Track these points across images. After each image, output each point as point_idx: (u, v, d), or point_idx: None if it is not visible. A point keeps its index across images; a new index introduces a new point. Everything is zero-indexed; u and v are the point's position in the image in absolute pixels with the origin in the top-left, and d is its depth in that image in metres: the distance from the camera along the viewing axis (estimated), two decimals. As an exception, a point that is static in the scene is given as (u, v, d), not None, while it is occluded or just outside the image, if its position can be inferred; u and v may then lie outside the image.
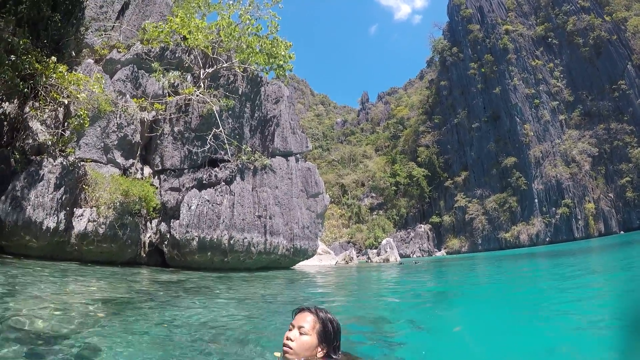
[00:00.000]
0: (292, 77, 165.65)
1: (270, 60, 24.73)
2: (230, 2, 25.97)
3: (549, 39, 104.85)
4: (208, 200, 20.58)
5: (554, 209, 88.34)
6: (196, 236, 19.69)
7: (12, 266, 12.67)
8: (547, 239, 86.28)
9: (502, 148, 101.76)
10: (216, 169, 21.80)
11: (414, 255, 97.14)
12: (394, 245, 60.27)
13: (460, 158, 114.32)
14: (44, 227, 15.04)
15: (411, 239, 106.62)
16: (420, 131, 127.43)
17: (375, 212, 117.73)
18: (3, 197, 14.73)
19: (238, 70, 24.53)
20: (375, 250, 62.35)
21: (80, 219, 16.67)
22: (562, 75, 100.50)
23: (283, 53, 24.88)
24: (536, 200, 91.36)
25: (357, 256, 64.75)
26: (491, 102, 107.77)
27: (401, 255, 74.62)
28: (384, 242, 61.58)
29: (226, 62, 24.56)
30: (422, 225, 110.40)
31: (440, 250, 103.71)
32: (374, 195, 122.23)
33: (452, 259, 63.39)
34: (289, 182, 24.57)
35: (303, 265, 29.51)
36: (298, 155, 26.51)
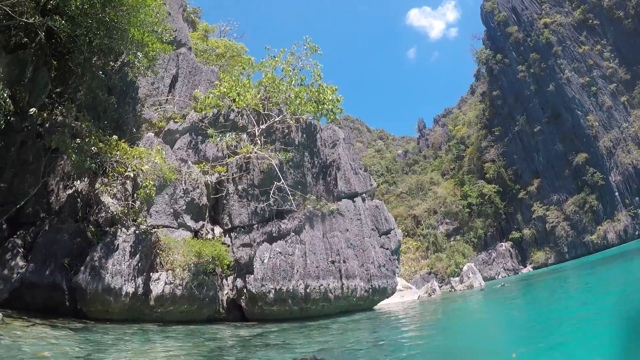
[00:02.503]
0: (346, 117, 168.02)
1: (320, 107, 25.67)
2: (271, 58, 27.31)
3: (590, 21, 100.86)
4: (280, 252, 21.30)
5: (637, 198, 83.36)
6: (272, 288, 20.31)
7: (94, 331, 13.85)
8: (637, 233, 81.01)
9: (569, 146, 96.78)
10: (284, 220, 22.55)
11: (499, 277, 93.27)
12: (476, 270, 58.73)
13: (529, 166, 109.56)
14: (123, 293, 16.34)
15: (493, 260, 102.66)
16: (483, 147, 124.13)
17: (452, 238, 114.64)
18: (83, 268, 16.18)
19: (291, 122, 25.58)
20: (457, 278, 60.91)
21: (157, 283, 17.95)
22: (612, 55, 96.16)
23: (330, 97, 25.82)
24: (616, 194, 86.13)
25: (440, 286, 63.49)
26: (548, 101, 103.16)
27: (485, 279, 72.35)
28: (465, 267, 60.10)
29: (278, 116, 25.68)
30: (503, 244, 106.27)
31: (525, 266, 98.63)
32: (448, 221, 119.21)
33: (539, 274, 60.95)
34: (359, 223, 24.96)
35: (384, 304, 29.45)
36: (364, 195, 26.96)
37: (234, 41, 41.52)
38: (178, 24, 30.81)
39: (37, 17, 16.18)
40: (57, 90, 20.22)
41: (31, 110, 17.38)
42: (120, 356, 10.70)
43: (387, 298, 27.49)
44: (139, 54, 19.97)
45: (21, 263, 16.08)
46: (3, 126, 14.63)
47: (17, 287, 15.51)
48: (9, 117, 15.07)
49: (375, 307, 26.85)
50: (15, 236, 16.88)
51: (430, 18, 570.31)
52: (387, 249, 26.94)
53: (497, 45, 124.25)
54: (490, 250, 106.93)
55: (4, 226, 16.96)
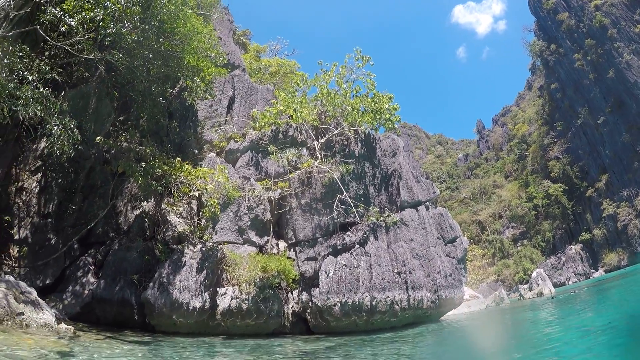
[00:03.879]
0: (403, 124, 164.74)
1: (377, 117, 25.18)
2: (324, 73, 27.18)
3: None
4: (345, 265, 20.92)
5: None
6: (337, 301, 19.97)
7: (162, 344, 14.26)
8: None
9: (636, 135, 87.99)
10: (348, 232, 22.19)
11: (570, 282, 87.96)
12: (545, 276, 55.66)
13: (595, 161, 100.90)
14: (191, 307, 16.89)
15: (563, 265, 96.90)
16: (545, 144, 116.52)
17: (519, 243, 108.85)
18: (151, 284, 16.90)
19: (349, 134, 25.29)
20: (526, 285, 58.21)
21: (224, 297, 18.35)
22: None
23: (387, 106, 25.26)
24: (692, 183, 77.15)
25: (508, 294, 60.85)
26: (609, 89, 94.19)
27: (555, 285, 68.54)
28: (534, 274, 57.21)
29: (336, 129, 25.50)
30: (572, 246, 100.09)
31: (597, 270, 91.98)
32: (514, 225, 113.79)
33: (612, 277, 57.65)
34: (424, 232, 24.23)
35: (451, 314, 28.42)
36: (427, 203, 26.21)
37: (285, 59, 41.99)
38: (230, 47, 31.58)
39: (96, 53, 16.72)
40: (121, 118, 21.03)
41: (97, 138, 18.18)
42: None
43: (454, 308, 26.57)
44: (195, 79, 20.47)
45: (92, 280, 17.14)
46: (72, 154, 15.23)
47: (88, 302, 16.56)
48: (77, 146, 15.58)
49: (441, 318, 25.94)
50: (86, 255, 18.08)
51: (476, 13, 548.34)
52: (453, 257, 26.00)
53: (550, 35, 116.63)
54: (559, 254, 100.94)
55: (76, 246, 18.14)
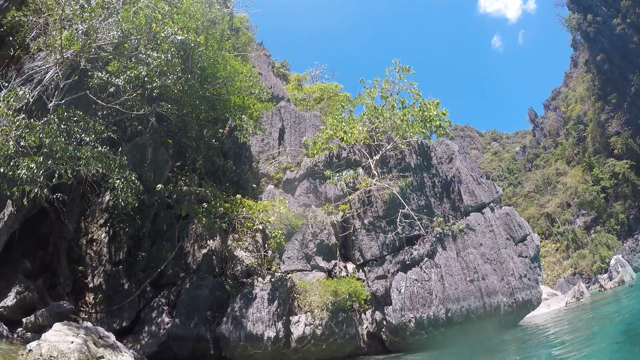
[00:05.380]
0: (454, 127, 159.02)
1: (427, 125, 24.62)
2: (367, 90, 26.89)
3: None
4: (416, 280, 20.30)
5: None
6: (412, 317, 19.42)
7: None
8: None
9: None
10: (415, 246, 21.58)
11: None
12: (624, 262, 51.90)
13: None
14: (265, 338, 17.02)
15: None
16: (603, 121, 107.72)
17: (592, 231, 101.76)
18: (225, 319, 17.27)
19: (402, 147, 24.77)
20: (605, 275, 54.84)
21: (297, 325, 18.37)
22: None
23: (435, 113, 24.65)
24: None
25: (588, 287, 57.51)
26: None
27: (636, 269, 64.10)
28: (612, 261, 53.68)
29: (389, 144, 25.06)
30: None
31: None
32: (584, 212, 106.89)
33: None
34: (492, 235, 23.22)
35: (530, 317, 26.97)
36: (491, 204, 25.17)
37: (326, 82, 42.19)
38: (271, 80, 32.15)
39: (145, 107, 17.41)
40: (178, 164, 21.62)
41: (158, 186, 18.79)
42: None
43: (533, 310, 25.19)
44: (243, 117, 20.97)
45: (167, 319, 17.72)
46: (136, 204, 15.72)
47: (164, 340, 17.12)
48: (140, 196, 16.13)
49: (521, 322, 24.64)
50: (159, 296, 18.71)
51: None
52: (526, 256, 24.73)
53: (584, 5, 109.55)
54: (636, 235, 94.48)
55: (148, 288, 18.81)
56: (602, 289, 49.40)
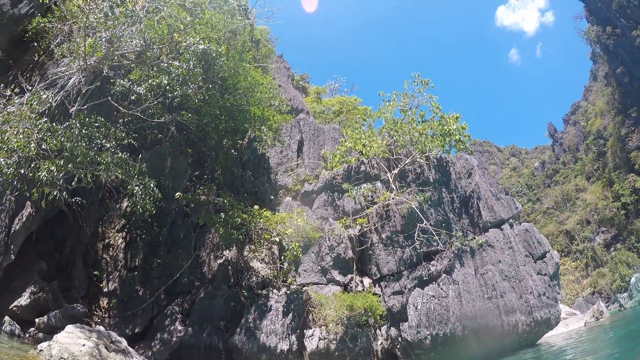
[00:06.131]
0: (473, 142, 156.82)
1: (447, 139, 24.27)
2: (387, 103, 26.70)
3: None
4: (433, 296, 19.95)
5: None
6: (428, 334, 19.07)
7: None
8: None
9: None
10: (433, 262, 21.24)
11: None
12: None
13: None
14: (278, 351, 16.93)
15: None
16: (623, 135, 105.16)
17: (612, 248, 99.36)
18: (238, 329, 17.25)
19: (421, 161, 24.54)
20: (625, 294, 53.70)
21: (311, 339, 18.25)
22: None
23: (455, 127, 24.26)
24: None
25: (607, 306, 56.30)
26: None
27: None
28: (633, 280, 52.74)
29: (407, 158, 24.80)
30: None
31: None
32: (604, 229, 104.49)
33: None
34: (511, 252, 22.80)
35: (548, 336, 26.37)
36: (511, 220, 24.77)
37: (346, 96, 42.25)
38: (291, 93, 32.24)
39: (166, 116, 17.50)
40: (196, 173, 21.68)
41: (176, 194, 18.88)
42: None
43: (552, 329, 24.63)
44: (263, 128, 20.99)
45: (180, 327, 17.69)
46: (154, 211, 15.69)
47: (176, 348, 17.13)
48: (158, 203, 16.11)
49: (539, 341, 24.09)
50: (173, 304, 18.69)
51: (520, 10, 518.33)
52: (545, 274, 24.24)
53: (602, 17, 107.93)
54: None
55: (163, 296, 18.87)
56: (622, 309, 48.42)
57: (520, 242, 24.15)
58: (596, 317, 41.81)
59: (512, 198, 26.55)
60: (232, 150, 21.20)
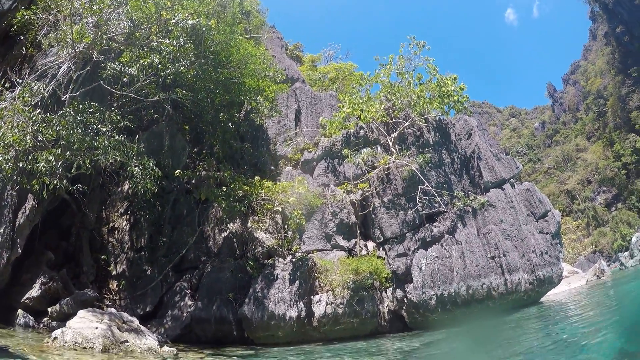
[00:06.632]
0: (472, 104, 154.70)
1: (445, 101, 24.04)
2: (383, 67, 26.41)
3: None
4: (437, 257, 20.18)
5: None
6: (433, 295, 19.35)
7: (264, 356, 15.03)
8: None
9: None
10: (435, 223, 21.38)
11: None
12: None
13: None
14: (287, 318, 17.18)
15: None
16: (624, 95, 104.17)
17: (613, 208, 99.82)
18: (247, 300, 17.46)
19: (421, 124, 24.41)
20: (626, 253, 53.96)
21: (319, 304, 18.49)
22: None
23: (453, 88, 23.98)
24: None
25: (608, 265, 56.64)
26: None
27: None
28: (633, 239, 52.79)
29: (406, 121, 24.69)
30: None
31: None
32: (605, 189, 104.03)
33: None
34: (513, 211, 22.89)
35: (551, 294, 26.57)
36: (512, 180, 24.79)
37: (341, 62, 41.74)
38: (285, 62, 31.99)
39: (160, 94, 17.36)
40: (195, 149, 21.72)
41: (176, 172, 18.92)
42: None
43: (554, 287, 24.85)
44: (259, 99, 20.77)
45: (189, 302, 17.92)
46: (156, 190, 15.72)
47: (187, 323, 17.38)
48: (159, 182, 16.13)
49: (542, 299, 24.35)
50: (181, 280, 18.93)
51: None
52: (547, 233, 24.37)
53: None
54: None
55: (171, 273, 19.10)
56: (624, 267, 48.79)
57: (521, 202, 24.22)
58: (598, 276, 42.14)
59: (513, 158, 26.54)
60: (230, 124, 21.04)
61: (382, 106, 24.83)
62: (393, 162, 22.53)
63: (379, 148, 24.26)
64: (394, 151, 23.39)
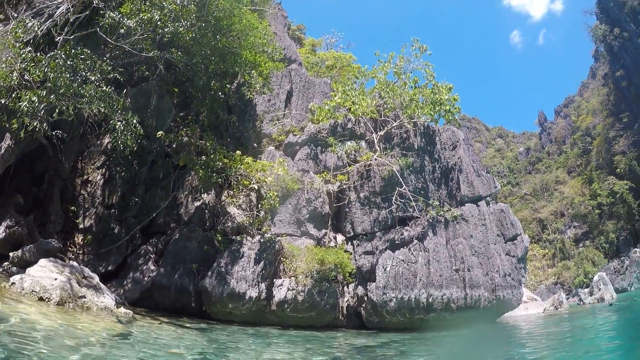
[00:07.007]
0: (462, 117, 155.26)
1: (437, 108, 24.17)
2: (382, 64, 26.46)
3: None
4: (403, 260, 20.27)
5: None
6: (393, 297, 19.45)
7: (218, 331, 14.86)
8: None
9: None
10: (407, 227, 21.47)
11: (632, 288, 79.96)
12: (607, 281, 51.67)
13: None
14: (247, 297, 17.18)
15: (626, 269, 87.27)
16: (611, 137, 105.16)
17: (581, 244, 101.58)
18: (209, 273, 17.40)
19: (409, 126, 24.45)
20: (586, 290, 54.94)
21: (280, 289, 18.48)
22: None
23: (446, 97, 24.15)
24: None
25: (567, 298, 57.68)
26: None
27: (617, 290, 63.57)
28: (595, 278, 53.57)
29: (395, 121, 24.73)
30: (637, 249, 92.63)
31: None
32: (576, 224, 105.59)
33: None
34: (484, 229, 23.18)
35: (507, 316, 27.17)
36: (488, 198, 25.09)
37: (341, 52, 41.64)
38: (285, 42, 31.71)
39: (155, 52, 17.09)
40: (181, 114, 21.47)
41: (158, 133, 18.71)
42: (244, 355, 11.51)
43: (512, 310, 25.33)
44: (253, 73, 20.56)
45: (152, 267, 17.90)
46: (135, 148, 15.50)
47: (147, 288, 17.34)
48: (140, 141, 15.98)
49: (498, 319, 24.84)
50: (147, 244, 18.85)
51: None
52: (513, 256, 24.77)
53: (613, 18, 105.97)
54: (622, 258, 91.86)
55: (138, 235, 18.95)
56: (582, 303, 49.64)
57: (494, 221, 24.55)
58: (555, 306, 42.80)
59: (493, 177, 26.91)
60: (220, 93, 20.80)
61: (374, 102, 24.85)
62: (375, 159, 22.57)
63: (363, 143, 24.22)
64: (378, 149, 23.42)
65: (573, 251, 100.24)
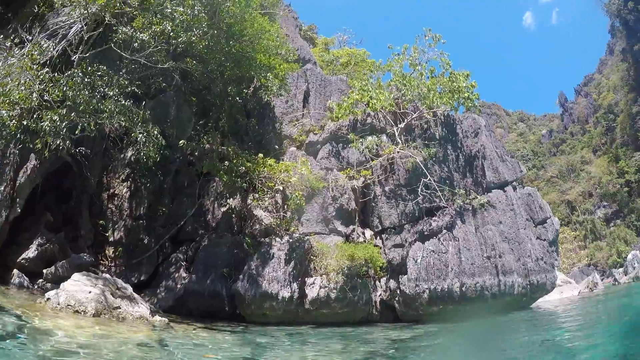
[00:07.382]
0: (482, 104, 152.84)
1: (455, 96, 23.86)
2: (396, 56, 26.32)
3: None
4: (433, 251, 20.14)
5: None
6: (426, 288, 19.30)
7: (253, 333, 14.94)
8: None
9: None
10: (435, 217, 21.31)
11: None
12: None
13: None
14: (280, 297, 17.28)
15: None
16: (634, 113, 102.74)
17: (612, 223, 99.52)
18: (241, 276, 17.56)
19: (428, 117, 24.34)
20: (621, 269, 54.07)
21: (312, 287, 18.46)
22: None
23: (464, 84, 23.84)
24: None
25: (602, 279, 56.69)
26: None
27: None
28: (629, 257, 52.99)
29: (414, 113, 24.60)
30: None
31: None
32: (605, 203, 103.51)
33: None
34: (512, 214, 22.88)
35: (542, 301, 26.60)
36: (514, 183, 24.76)
37: (354, 48, 41.57)
38: (298, 42, 31.82)
39: (170, 62, 17.25)
40: (201, 122, 21.72)
41: (180, 142, 18.96)
42: (281, 356, 11.64)
43: (546, 294, 24.85)
44: (269, 75, 20.65)
45: (184, 275, 18.13)
46: (158, 159, 15.75)
47: (180, 295, 17.50)
48: (162, 151, 16.22)
49: (533, 305, 24.36)
50: (177, 252, 19.15)
51: None
52: (544, 240, 24.42)
53: None
54: None
55: (167, 244, 19.29)
56: (617, 283, 48.83)
57: (522, 206, 24.26)
58: (590, 288, 41.99)
59: (517, 161, 26.55)
60: (237, 99, 20.92)
61: (392, 95, 24.64)
62: (398, 152, 22.43)
63: (384, 137, 24.06)
64: (400, 141, 23.24)
65: (604, 231, 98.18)
